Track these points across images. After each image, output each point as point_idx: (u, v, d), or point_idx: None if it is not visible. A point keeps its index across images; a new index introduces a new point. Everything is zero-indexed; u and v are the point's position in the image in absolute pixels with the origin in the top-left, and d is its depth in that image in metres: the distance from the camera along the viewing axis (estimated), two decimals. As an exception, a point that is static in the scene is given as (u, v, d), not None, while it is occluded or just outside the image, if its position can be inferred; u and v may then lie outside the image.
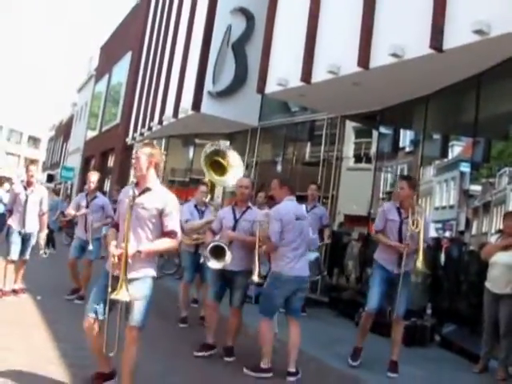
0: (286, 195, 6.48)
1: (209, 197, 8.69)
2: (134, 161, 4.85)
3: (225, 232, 6.62)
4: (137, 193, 4.71)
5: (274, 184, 6.60)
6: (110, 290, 4.55)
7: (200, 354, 6.51)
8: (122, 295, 4.46)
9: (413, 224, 6.64)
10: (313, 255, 8.24)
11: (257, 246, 6.37)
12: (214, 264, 6.25)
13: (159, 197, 4.78)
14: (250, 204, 6.90)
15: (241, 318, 6.75)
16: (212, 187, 8.93)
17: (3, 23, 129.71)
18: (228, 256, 6.22)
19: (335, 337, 8.19)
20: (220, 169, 7.38)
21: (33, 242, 9.27)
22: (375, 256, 7.02)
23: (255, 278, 6.36)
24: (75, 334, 5.79)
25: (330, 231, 10.23)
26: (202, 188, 8.64)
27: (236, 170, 7.37)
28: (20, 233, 8.98)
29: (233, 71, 14.45)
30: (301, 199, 8.67)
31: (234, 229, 6.61)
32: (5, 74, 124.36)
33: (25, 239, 9.11)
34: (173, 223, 4.78)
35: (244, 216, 6.68)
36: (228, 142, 7.98)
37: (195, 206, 8.48)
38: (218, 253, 6.27)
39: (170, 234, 4.76)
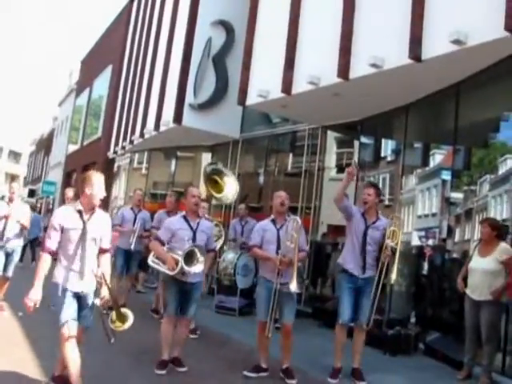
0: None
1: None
2: None
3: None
4: None
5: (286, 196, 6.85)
6: None
7: (160, 372, 6.40)
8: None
9: (392, 236, 6.75)
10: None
11: (295, 257, 6.42)
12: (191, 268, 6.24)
13: None
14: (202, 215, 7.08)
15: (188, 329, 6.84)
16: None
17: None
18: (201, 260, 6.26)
19: (319, 348, 8.21)
20: (215, 186, 7.49)
21: (15, 258, 9.32)
22: (340, 261, 7.07)
23: (293, 287, 6.36)
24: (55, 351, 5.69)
25: (308, 242, 10.21)
26: (203, 204, 8.69)
27: (231, 187, 7.49)
28: (3, 249, 9.01)
29: (214, 83, 14.45)
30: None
31: (193, 240, 6.57)
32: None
33: (7, 255, 9.14)
34: None
35: (200, 227, 6.70)
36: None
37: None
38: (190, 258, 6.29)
39: None
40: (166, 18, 16.87)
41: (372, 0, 8.67)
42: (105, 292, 5.17)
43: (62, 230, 5.10)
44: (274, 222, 6.80)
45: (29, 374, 5.80)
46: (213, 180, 7.52)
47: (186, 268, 6.27)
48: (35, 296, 4.92)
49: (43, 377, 5.75)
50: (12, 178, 73.06)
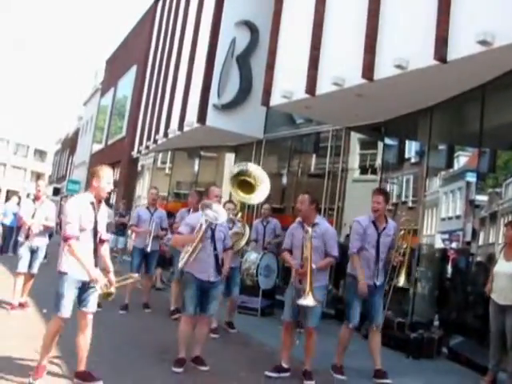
0: (314, 213, 6.79)
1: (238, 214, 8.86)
2: None
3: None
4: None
5: (304, 199, 6.71)
6: None
7: (177, 370, 6.40)
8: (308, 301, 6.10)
9: (402, 239, 6.78)
10: None
11: (310, 263, 6.37)
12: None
13: None
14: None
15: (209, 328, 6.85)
16: (242, 205, 9.05)
17: (9, 37, 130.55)
18: None
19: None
20: (248, 187, 7.48)
21: (40, 255, 9.41)
22: (349, 271, 7.10)
23: (306, 301, 6.34)
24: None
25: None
26: (228, 205, 8.73)
27: (263, 186, 7.47)
28: (28, 246, 9.14)
29: (238, 84, 14.47)
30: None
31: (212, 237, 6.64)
32: (11, 88, 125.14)
33: (33, 253, 9.24)
34: None
35: (218, 226, 6.72)
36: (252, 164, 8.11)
37: None
38: None
39: None
40: (191, 19, 16.93)
41: (397, 0, 8.62)
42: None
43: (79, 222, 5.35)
44: (301, 224, 6.77)
45: (52, 369, 5.83)
46: (242, 180, 7.51)
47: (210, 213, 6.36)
48: (96, 273, 5.35)
49: (66, 372, 5.82)
50: (38, 176, 73.83)
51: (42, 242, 9.43)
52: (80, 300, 5.51)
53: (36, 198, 9.45)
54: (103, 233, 5.70)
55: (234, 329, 9.17)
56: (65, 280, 5.39)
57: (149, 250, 10.18)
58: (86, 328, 5.56)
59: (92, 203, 5.48)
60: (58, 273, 5.45)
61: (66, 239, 5.32)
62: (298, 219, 6.87)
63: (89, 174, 7.21)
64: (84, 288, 5.48)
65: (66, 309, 5.38)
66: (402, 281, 6.82)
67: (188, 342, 6.65)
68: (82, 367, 5.58)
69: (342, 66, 9.35)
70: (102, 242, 5.71)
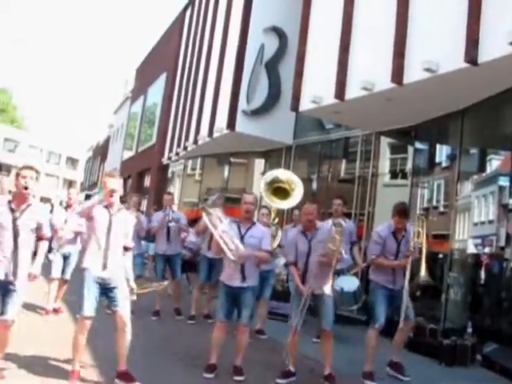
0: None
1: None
2: None
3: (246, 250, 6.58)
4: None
5: (313, 209, 6.74)
6: None
7: (206, 375, 6.43)
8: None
9: (417, 236, 6.98)
10: (353, 285, 8.16)
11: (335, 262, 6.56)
12: None
13: None
14: (254, 220, 7.00)
15: (248, 335, 6.78)
16: (277, 211, 9.08)
17: (40, 45, 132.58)
18: None
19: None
20: (283, 193, 7.53)
21: (73, 261, 9.53)
22: (372, 277, 7.23)
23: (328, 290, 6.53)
24: (112, 352, 5.98)
25: (360, 250, 10.05)
26: (263, 210, 9.00)
27: (297, 192, 7.51)
28: (60, 253, 9.36)
29: (266, 89, 14.49)
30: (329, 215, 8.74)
31: None
32: (43, 98, 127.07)
33: (65, 259, 9.42)
34: None
35: (249, 232, 6.73)
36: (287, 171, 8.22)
37: None
38: None
39: None
40: (219, 26, 17.01)
41: (426, 2, 8.55)
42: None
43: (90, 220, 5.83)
44: (304, 233, 6.79)
45: (85, 375, 5.89)
46: (276, 188, 7.55)
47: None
48: None
49: (100, 377, 5.88)
50: (70, 183, 74.71)
51: (73, 249, 9.54)
52: (109, 300, 5.82)
53: (68, 206, 9.64)
54: (127, 240, 6.00)
55: (265, 335, 9.18)
56: (84, 277, 5.72)
57: (168, 252, 10.26)
58: (122, 327, 5.77)
59: (106, 206, 5.86)
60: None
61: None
62: (300, 228, 6.89)
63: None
64: (108, 287, 5.75)
65: (86, 307, 5.65)
66: (423, 276, 6.87)
67: (219, 348, 6.65)
68: (122, 366, 5.80)
69: (371, 71, 9.31)
70: (126, 249, 6.00)
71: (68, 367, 5.96)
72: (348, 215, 10.87)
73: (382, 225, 7.32)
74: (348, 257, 8.57)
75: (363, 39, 9.71)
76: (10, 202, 5.54)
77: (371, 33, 9.52)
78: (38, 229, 5.72)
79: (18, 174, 5.56)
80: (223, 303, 6.69)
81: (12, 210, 5.46)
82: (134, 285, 5.97)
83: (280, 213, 9.00)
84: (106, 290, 5.80)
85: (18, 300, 5.53)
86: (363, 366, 6.91)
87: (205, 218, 6.95)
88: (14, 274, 5.43)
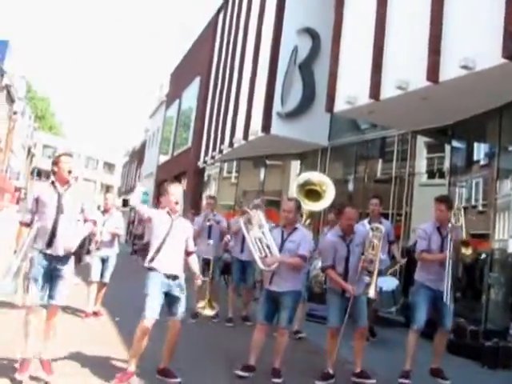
0: None
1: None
2: None
3: (273, 257, 6.64)
4: None
5: (353, 213, 6.81)
6: None
7: (241, 373, 6.48)
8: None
9: (454, 215, 7.04)
10: (392, 285, 8.14)
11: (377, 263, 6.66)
12: None
13: None
14: (297, 225, 6.94)
15: (287, 338, 6.77)
16: (311, 213, 9.10)
17: (76, 51, 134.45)
18: None
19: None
20: (315, 195, 7.56)
21: (111, 265, 9.65)
22: (416, 277, 7.14)
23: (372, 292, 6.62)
24: (150, 353, 6.09)
25: (399, 248, 9.99)
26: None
27: (328, 194, 7.51)
28: (99, 256, 9.50)
29: (301, 91, 14.47)
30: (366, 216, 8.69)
31: (280, 250, 6.68)
32: (80, 104, 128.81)
33: (103, 262, 9.57)
34: None
35: (290, 237, 6.74)
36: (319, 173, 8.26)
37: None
38: None
39: None
40: (252, 29, 17.03)
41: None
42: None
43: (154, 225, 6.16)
44: (342, 237, 6.80)
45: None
46: (308, 190, 7.57)
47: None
48: None
49: (139, 378, 5.94)
50: (107, 188, 75.59)
51: (111, 252, 9.68)
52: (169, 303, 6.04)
53: (105, 211, 9.78)
54: (189, 244, 6.36)
55: (303, 334, 9.20)
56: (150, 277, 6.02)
57: (211, 256, 10.30)
58: (177, 329, 6.06)
59: (168, 212, 6.21)
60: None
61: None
62: (338, 232, 6.88)
63: (160, 188, 7.54)
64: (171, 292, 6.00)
65: (150, 310, 5.83)
66: (467, 250, 6.87)
67: (259, 349, 6.66)
68: (163, 365, 6.04)
69: (405, 69, 9.22)
70: (188, 254, 6.38)
71: (107, 368, 6.13)
72: (385, 215, 10.77)
73: (426, 223, 7.27)
74: (385, 257, 8.57)
75: (397, 37, 9.62)
76: (53, 182, 5.82)
77: (405, 31, 9.43)
78: (82, 211, 5.99)
79: (58, 161, 5.85)
80: (263, 305, 6.78)
81: (56, 188, 5.77)
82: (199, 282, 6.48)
83: (312, 215, 8.96)
84: (168, 293, 6.01)
85: (64, 287, 5.75)
86: (404, 366, 6.87)
87: (241, 221, 6.98)
88: (56, 249, 5.67)
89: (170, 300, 6.01)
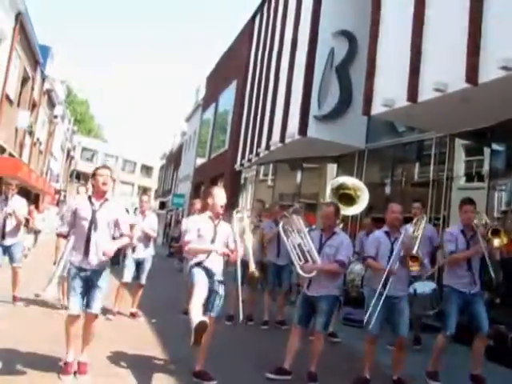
0: None
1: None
2: None
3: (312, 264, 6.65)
4: None
5: (398, 209, 6.90)
6: None
7: (272, 376, 6.51)
8: None
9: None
10: (429, 287, 8.08)
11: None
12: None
13: None
14: (336, 230, 6.95)
15: (323, 342, 6.75)
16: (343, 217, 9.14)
17: (114, 58, 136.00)
18: None
19: (448, 364, 7.79)
20: (349, 199, 7.57)
21: (147, 267, 9.74)
22: (446, 282, 7.12)
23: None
24: (186, 355, 6.31)
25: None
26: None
27: (362, 199, 7.52)
28: (134, 258, 9.65)
29: (337, 94, 14.43)
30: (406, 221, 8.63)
31: (318, 254, 6.69)
32: (119, 108, 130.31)
33: (139, 264, 9.68)
34: None
35: (328, 242, 6.76)
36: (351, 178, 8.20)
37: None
38: None
39: None
40: (288, 32, 17.05)
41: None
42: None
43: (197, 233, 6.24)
44: (387, 234, 6.79)
45: (162, 373, 6.26)
46: (342, 194, 7.57)
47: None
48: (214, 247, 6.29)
49: (175, 379, 6.02)
50: (144, 190, 76.15)
51: (146, 254, 9.77)
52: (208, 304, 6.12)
53: (141, 212, 9.91)
54: (231, 246, 6.44)
55: (337, 337, 9.19)
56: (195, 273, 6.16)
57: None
58: (212, 331, 6.08)
59: (210, 217, 6.36)
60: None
61: (184, 244, 6.29)
62: (384, 228, 6.89)
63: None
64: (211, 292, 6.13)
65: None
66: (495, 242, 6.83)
67: (294, 353, 6.66)
68: (199, 366, 6.11)
69: (444, 71, 9.11)
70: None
71: (144, 369, 6.25)
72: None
73: (452, 226, 7.50)
74: (427, 262, 8.50)
75: (435, 39, 9.52)
76: (90, 197, 6.05)
77: (443, 32, 9.32)
78: (117, 224, 6.09)
79: (95, 174, 6.06)
80: (300, 309, 6.80)
81: (92, 204, 5.96)
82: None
83: (345, 219, 8.92)
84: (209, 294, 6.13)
85: (100, 295, 5.90)
86: (428, 366, 6.93)
87: (280, 227, 7.00)
88: (90, 262, 5.84)
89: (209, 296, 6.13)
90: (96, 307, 5.87)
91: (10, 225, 9.56)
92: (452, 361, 7.36)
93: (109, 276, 6.10)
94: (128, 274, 9.60)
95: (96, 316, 5.93)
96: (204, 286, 6.00)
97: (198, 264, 6.18)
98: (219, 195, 6.41)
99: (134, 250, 9.59)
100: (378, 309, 6.45)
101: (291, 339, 6.72)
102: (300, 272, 6.64)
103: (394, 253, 6.55)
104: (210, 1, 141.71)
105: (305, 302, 6.76)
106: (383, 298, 6.46)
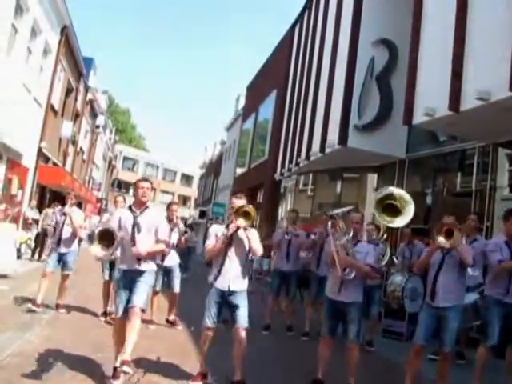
0: None
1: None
2: None
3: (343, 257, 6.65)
4: None
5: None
6: None
7: None
8: None
9: None
10: (471, 297, 7.97)
11: None
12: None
13: None
14: (361, 238, 7.14)
15: (358, 352, 6.72)
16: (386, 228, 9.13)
17: (154, 65, 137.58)
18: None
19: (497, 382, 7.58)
20: (393, 210, 7.55)
21: (176, 274, 9.79)
22: (488, 293, 7.07)
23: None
24: (221, 363, 6.42)
25: None
26: (368, 227, 9.56)
27: (408, 209, 7.48)
28: (160, 266, 9.61)
29: (378, 103, 14.32)
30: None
31: None
32: (160, 117, 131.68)
33: (168, 273, 9.78)
34: None
35: (356, 248, 6.79)
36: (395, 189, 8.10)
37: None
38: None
39: None
40: (328, 41, 17.01)
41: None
42: None
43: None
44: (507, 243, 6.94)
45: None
46: (387, 204, 7.53)
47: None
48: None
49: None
50: (184, 199, 76.87)
51: (173, 262, 9.78)
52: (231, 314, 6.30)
53: (169, 221, 9.79)
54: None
55: (373, 347, 9.13)
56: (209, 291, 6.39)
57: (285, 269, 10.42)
58: (238, 340, 6.18)
59: (227, 226, 6.40)
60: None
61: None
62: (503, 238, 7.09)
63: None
64: (228, 302, 6.28)
65: (206, 319, 6.30)
66: None
67: (326, 363, 6.67)
68: (237, 376, 6.16)
69: (487, 80, 8.95)
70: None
71: (181, 377, 6.32)
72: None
73: (495, 237, 7.46)
74: (478, 274, 8.43)
75: (477, 46, 9.37)
76: (130, 206, 6.49)
77: (485, 39, 9.17)
78: (156, 231, 6.37)
79: (136, 185, 6.44)
80: (327, 319, 6.81)
81: (132, 211, 6.40)
82: None
83: (388, 229, 8.87)
84: (229, 304, 6.27)
85: (143, 290, 6.19)
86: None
87: (328, 228, 6.97)
88: (135, 265, 6.20)
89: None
90: (138, 301, 6.08)
91: (67, 233, 9.92)
92: (494, 377, 7.18)
93: (153, 277, 6.42)
94: (156, 283, 9.54)
95: (141, 310, 6.16)
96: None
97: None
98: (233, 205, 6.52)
99: (163, 258, 9.58)
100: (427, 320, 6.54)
101: (321, 350, 6.77)
102: (339, 273, 6.56)
103: None
104: (254, 9, 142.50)
105: (332, 311, 6.74)
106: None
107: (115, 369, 5.94)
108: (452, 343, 6.49)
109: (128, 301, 6.10)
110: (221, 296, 6.25)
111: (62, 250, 9.90)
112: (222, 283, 6.25)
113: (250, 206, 6.38)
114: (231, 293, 6.22)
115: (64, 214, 10.00)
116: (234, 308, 6.21)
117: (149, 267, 6.30)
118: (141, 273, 6.19)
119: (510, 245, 6.90)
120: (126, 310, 6.08)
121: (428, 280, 6.84)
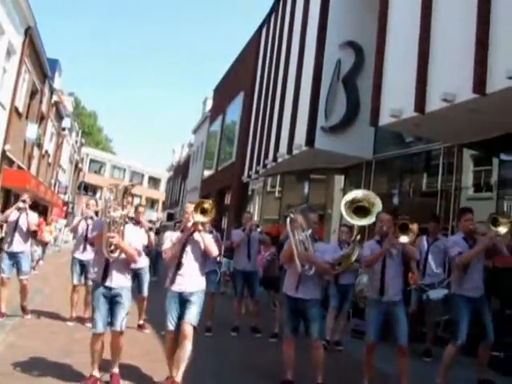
0: None
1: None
2: None
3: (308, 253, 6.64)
4: None
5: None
6: None
7: None
8: None
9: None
10: (440, 293, 8.11)
11: None
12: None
13: None
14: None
15: (323, 349, 6.80)
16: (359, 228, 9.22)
17: (120, 70, 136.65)
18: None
19: (460, 377, 7.60)
20: (363, 211, 7.65)
21: (145, 277, 9.73)
22: (454, 290, 7.18)
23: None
24: (197, 368, 6.30)
25: None
26: (343, 228, 9.88)
27: (376, 209, 7.58)
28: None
29: (344, 105, 14.40)
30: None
31: None
32: (126, 119, 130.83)
33: (137, 276, 9.64)
34: None
35: (314, 247, 6.78)
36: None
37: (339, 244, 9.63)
38: None
39: None
40: (295, 43, 17.07)
41: (509, 4, 8.19)
42: None
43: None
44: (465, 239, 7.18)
45: None
46: (356, 207, 7.62)
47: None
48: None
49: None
50: (152, 202, 76.38)
51: (142, 264, 9.65)
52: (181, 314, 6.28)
53: (136, 223, 9.65)
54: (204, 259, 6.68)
55: (341, 346, 9.29)
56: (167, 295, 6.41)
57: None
58: (183, 335, 6.14)
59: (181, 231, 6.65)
60: None
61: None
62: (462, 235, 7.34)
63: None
64: (182, 302, 6.30)
65: (168, 323, 6.31)
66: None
67: (292, 363, 6.67)
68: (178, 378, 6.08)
69: (451, 81, 9.05)
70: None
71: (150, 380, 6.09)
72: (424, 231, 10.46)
73: (454, 235, 7.81)
74: (440, 271, 8.72)
75: (442, 49, 9.47)
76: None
77: (450, 42, 9.26)
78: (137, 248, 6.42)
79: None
80: (288, 318, 6.83)
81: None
82: None
83: (361, 230, 8.91)
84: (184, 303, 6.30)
85: (123, 311, 6.13)
86: (436, 379, 6.94)
87: (287, 226, 6.97)
88: (109, 280, 6.13)
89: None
90: (119, 325, 6.13)
91: (21, 231, 9.88)
92: (459, 373, 7.28)
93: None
94: None
95: (119, 334, 6.18)
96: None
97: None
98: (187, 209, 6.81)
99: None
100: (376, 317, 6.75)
101: (286, 350, 6.75)
102: (299, 269, 6.50)
103: None
104: (218, 13, 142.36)
105: (292, 310, 6.73)
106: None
107: (91, 376, 5.99)
108: (406, 335, 6.55)
109: (110, 322, 6.13)
110: (179, 298, 6.26)
111: (15, 248, 9.74)
112: (178, 285, 6.28)
113: (210, 201, 6.42)
114: (188, 294, 6.26)
115: (19, 209, 9.84)
116: (187, 304, 6.23)
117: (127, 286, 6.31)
118: (119, 290, 6.16)
119: (468, 240, 7.10)
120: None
121: (372, 276, 6.88)
